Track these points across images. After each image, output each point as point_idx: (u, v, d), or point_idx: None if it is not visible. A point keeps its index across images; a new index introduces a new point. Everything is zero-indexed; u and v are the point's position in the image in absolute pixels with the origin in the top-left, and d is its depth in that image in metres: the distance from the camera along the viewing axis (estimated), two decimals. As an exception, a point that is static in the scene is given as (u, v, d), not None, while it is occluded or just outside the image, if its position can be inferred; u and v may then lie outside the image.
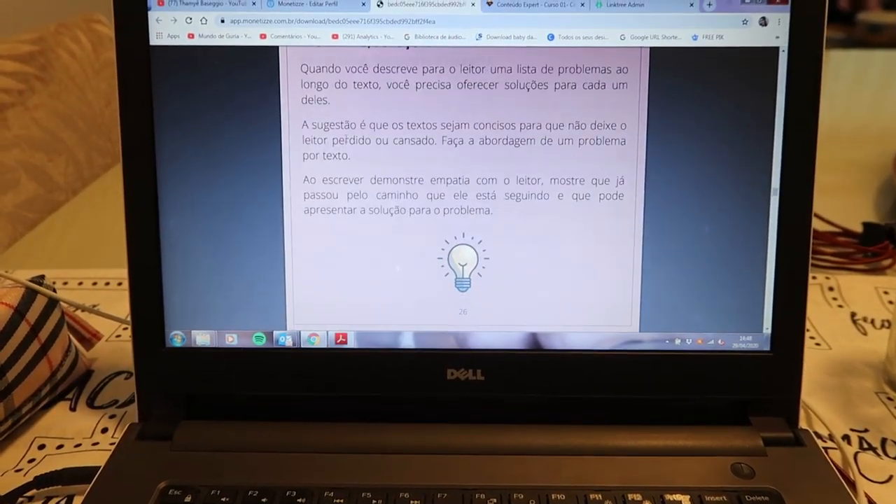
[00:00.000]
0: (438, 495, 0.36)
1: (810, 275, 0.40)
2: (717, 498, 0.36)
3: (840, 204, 0.66)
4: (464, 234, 0.40)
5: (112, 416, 0.45)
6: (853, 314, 0.56)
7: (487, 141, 0.40)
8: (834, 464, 0.38)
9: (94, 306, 0.52)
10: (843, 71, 1.37)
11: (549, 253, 0.40)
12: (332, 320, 0.41)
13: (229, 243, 0.40)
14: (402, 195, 0.40)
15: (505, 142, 0.40)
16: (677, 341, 0.41)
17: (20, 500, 0.39)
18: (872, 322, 0.55)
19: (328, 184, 0.40)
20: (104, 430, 0.44)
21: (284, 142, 0.40)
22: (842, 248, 0.64)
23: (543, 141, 0.39)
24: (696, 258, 0.40)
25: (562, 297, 0.41)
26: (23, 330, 0.43)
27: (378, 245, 0.40)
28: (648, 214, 0.40)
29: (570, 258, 0.40)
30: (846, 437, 0.43)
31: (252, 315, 0.41)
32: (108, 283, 0.61)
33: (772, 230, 0.40)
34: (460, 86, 0.39)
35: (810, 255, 0.40)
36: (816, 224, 0.40)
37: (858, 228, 0.65)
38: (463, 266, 0.39)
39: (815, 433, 0.42)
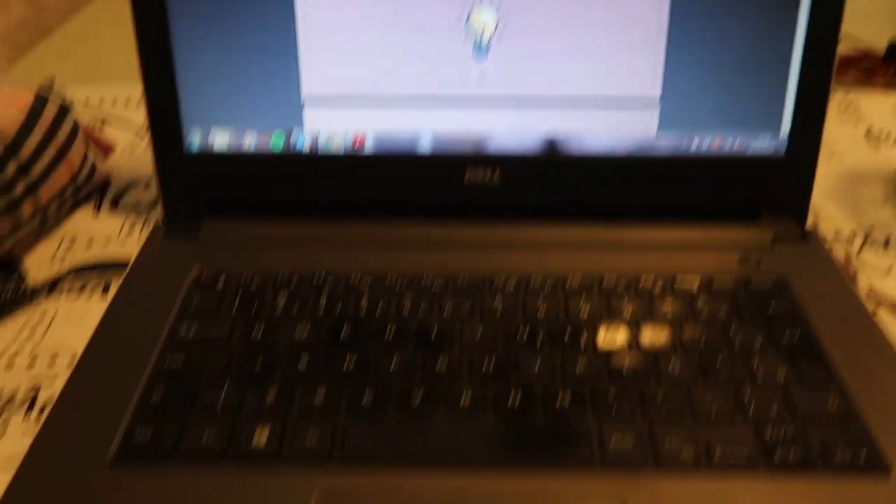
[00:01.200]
0: (461, 278, 0.37)
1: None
2: (725, 279, 0.37)
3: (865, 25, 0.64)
4: None
5: (137, 217, 0.46)
6: (869, 129, 0.56)
7: None
8: (837, 257, 0.40)
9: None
10: None
11: (571, 20, 0.38)
12: (348, 89, 0.40)
13: (241, 30, 0.39)
14: None
15: None
16: (695, 141, 0.41)
17: (56, 288, 0.40)
18: (887, 137, 0.55)
19: None
20: (131, 229, 0.45)
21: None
22: (864, 65, 0.62)
23: None
24: (720, 55, 0.39)
25: (580, 71, 0.39)
26: (39, 131, 0.43)
27: (394, 6, 0.39)
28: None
29: (592, 26, 0.39)
30: (852, 237, 0.44)
31: (269, 105, 0.40)
32: (115, 100, 0.60)
33: (799, 31, 0.38)
34: None
35: (836, 59, 0.39)
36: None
37: (882, 49, 0.63)
38: (482, 29, 0.38)
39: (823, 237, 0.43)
